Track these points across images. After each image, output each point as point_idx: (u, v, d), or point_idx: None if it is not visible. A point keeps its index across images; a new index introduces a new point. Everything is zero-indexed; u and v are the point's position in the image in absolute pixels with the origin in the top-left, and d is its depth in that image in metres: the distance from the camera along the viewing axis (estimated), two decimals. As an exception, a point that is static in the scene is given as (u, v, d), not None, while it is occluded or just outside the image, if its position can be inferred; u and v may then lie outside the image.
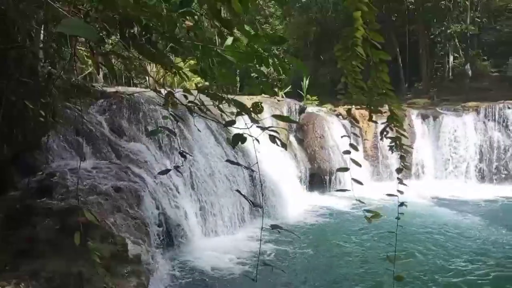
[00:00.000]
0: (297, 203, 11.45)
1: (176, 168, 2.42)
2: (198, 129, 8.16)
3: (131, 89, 9.93)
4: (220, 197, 8.76)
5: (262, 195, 9.97)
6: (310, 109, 15.87)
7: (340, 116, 15.42)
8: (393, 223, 2.96)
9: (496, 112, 15.04)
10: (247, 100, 12.50)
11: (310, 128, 14.41)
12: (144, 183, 6.84)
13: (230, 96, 2.37)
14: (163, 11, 2.61)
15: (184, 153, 2.53)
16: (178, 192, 7.76)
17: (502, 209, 11.79)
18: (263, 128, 2.22)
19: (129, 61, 3.59)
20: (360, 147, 14.97)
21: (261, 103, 2.26)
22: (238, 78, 25.14)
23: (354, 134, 3.14)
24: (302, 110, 15.21)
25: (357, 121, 14.67)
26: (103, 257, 4.96)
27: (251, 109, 2.23)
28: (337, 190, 13.05)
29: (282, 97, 17.68)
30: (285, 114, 14.22)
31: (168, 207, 7.26)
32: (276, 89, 20.83)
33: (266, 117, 2.82)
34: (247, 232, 8.90)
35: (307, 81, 20.41)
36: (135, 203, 6.17)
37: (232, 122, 2.21)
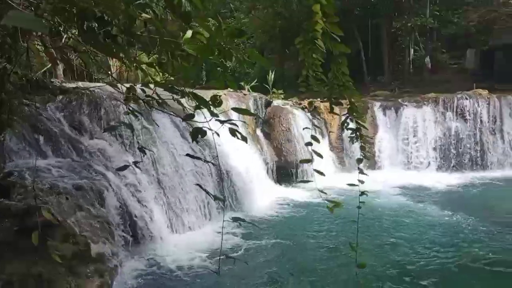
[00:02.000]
0: (265, 196, 11.53)
1: (135, 164, 2.37)
2: (156, 124, 8.05)
3: (93, 84, 9.65)
4: (187, 192, 8.69)
5: (222, 187, 9.97)
6: (276, 102, 15.96)
7: (306, 109, 15.59)
8: (361, 212, 3.03)
9: (454, 103, 15.63)
10: (213, 94, 12.35)
11: (277, 122, 14.52)
12: (107, 181, 6.69)
13: (189, 90, 2.34)
14: (119, 3, 2.54)
15: (143, 149, 2.49)
16: (143, 189, 7.63)
17: (460, 196, 12.30)
18: (223, 122, 2.21)
19: (86, 55, 3.48)
20: (326, 139, 15.22)
21: (220, 96, 2.24)
22: (204, 73, 24.96)
23: (316, 126, 3.18)
24: (268, 104, 15.27)
25: (322, 113, 14.89)
26: (65, 257, 4.83)
27: (210, 102, 2.21)
28: (300, 181, 13.26)
29: (248, 91, 17.68)
30: (251, 107, 14.24)
31: (133, 204, 7.14)
32: (242, 83, 20.82)
33: (229, 111, 2.82)
34: (215, 227, 8.89)
35: (273, 75, 20.49)
36: (98, 201, 6.03)
37: (191, 116, 2.19)
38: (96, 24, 2.56)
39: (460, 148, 15.33)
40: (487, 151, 15.52)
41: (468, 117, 15.51)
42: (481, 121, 15.53)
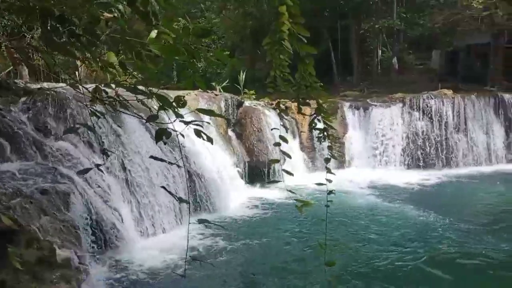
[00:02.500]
0: (237, 197, 11.52)
1: (98, 166, 2.31)
2: (118, 125, 7.90)
3: (56, 85, 9.37)
4: (157, 195, 8.56)
5: (188, 189, 9.90)
6: (248, 103, 15.97)
7: (277, 109, 15.64)
8: (330, 211, 3.07)
9: (420, 103, 16.06)
10: (185, 96, 12.25)
11: (248, 122, 14.53)
12: (74, 184, 6.51)
13: (153, 90, 2.31)
14: (80, 2, 2.48)
15: (106, 151, 2.43)
16: (112, 192, 7.48)
17: (427, 193, 12.65)
18: (187, 123, 2.18)
19: (48, 56, 3.38)
20: (297, 139, 15.35)
21: (184, 96, 2.22)
22: (175, 73, 24.69)
23: (284, 126, 3.20)
24: (239, 104, 15.26)
25: (293, 114, 15.00)
26: (28, 263, 4.67)
27: (173, 103, 2.19)
28: (271, 181, 13.32)
29: (220, 91, 17.61)
30: (222, 108, 14.20)
31: (101, 207, 6.98)
32: (213, 84, 20.73)
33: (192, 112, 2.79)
34: (186, 230, 8.81)
35: (244, 75, 20.49)
36: (64, 205, 5.86)
37: (155, 117, 2.16)
38: (58, 24, 2.49)
39: (427, 147, 15.77)
40: (452, 150, 16.02)
41: (434, 116, 15.97)
42: (446, 120, 16.02)
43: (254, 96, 18.82)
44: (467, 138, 16.26)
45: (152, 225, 8.44)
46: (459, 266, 7.22)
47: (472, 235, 8.56)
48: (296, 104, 3.88)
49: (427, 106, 16.02)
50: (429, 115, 16.01)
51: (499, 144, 16.50)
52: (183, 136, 2.38)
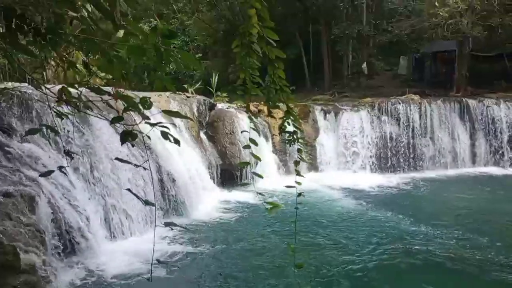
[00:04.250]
0: (209, 200, 11.48)
1: (60, 168, 2.27)
2: (85, 127, 7.72)
3: (24, 85, 9.09)
4: (125, 198, 8.43)
5: (159, 191, 9.81)
6: (221, 105, 15.95)
7: (249, 112, 15.69)
8: (301, 213, 3.12)
9: (389, 108, 16.46)
10: (157, 97, 12.07)
11: (220, 125, 14.52)
12: (39, 187, 6.34)
13: (118, 91, 2.29)
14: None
15: (70, 153, 2.39)
16: (79, 195, 7.31)
17: (395, 196, 12.96)
18: (153, 124, 2.18)
19: (10, 55, 3.29)
20: (269, 142, 15.43)
21: (149, 97, 2.22)
22: (146, 74, 24.38)
23: (254, 129, 3.25)
24: (212, 107, 15.23)
25: (266, 117, 15.08)
26: (-10, 269, 4.52)
27: (139, 104, 2.18)
28: (242, 184, 13.35)
29: (192, 93, 17.53)
30: (194, 110, 14.13)
31: (68, 211, 6.81)
32: (186, 86, 20.59)
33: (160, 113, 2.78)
34: (156, 233, 8.71)
35: (217, 78, 20.48)
36: (28, 208, 5.70)
37: (119, 119, 2.14)
38: (20, 22, 2.44)
39: (395, 151, 16.17)
40: (419, 153, 16.48)
41: (401, 121, 16.40)
42: (413, 124, 16.48)
43: (227, 99, 18.83)
44: (433, 142, 16.76)
45: (120, 228, 8.29)
46: (426, 266, 7.44)
47: (438, 236, 8.83)
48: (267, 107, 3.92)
49: (395, 111, 16.43)
50: (397, 120, 16.43)
51: (464, 148, 17.08)
52: (149, 138, 2.37)
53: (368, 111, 16.41)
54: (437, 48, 22.34)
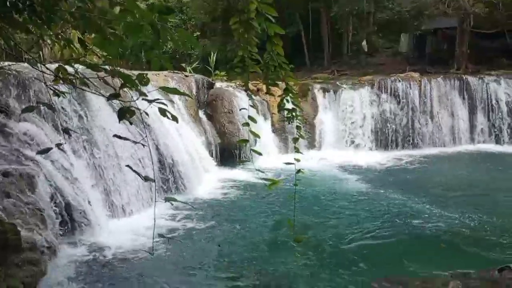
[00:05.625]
0: (208, 178, 11.53)
1: (58, 146, 2.27)
2: (83, 105, 7.65)
3: (21, 64, 8.99)
4: (125, 176, 8.46)
5: (158, 169, 9.85)
6: (219, 84, 15.86)
7: (248, 91, 15.61)
8: (300, 191, 3.15)
9: (388, 85, 16.37)
10: (155, 76, 11.94)
11: (219, 104, 14.46)
12: (38, 166, 6.35)
13: (115, 69, 2.26)
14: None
15: (68, 130, 2.39)
16: (78, 173, 7.33)
17: (394, 173, 13.03)
18: (150, 101, 2.17)
19: (6, 33, 3.25)
20: (268, 121, 15.41)
21: (147, 74, 2.20)
22: (143, 53, 24.08)
23: (252, 107, 3.25)
24: (210, 86, 15.13)
25: (265, 95, 15.01)
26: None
27: (136, 81, 2.16)
28: (241, 161, 13.38)
29: (190, 72, 17.40)
30: (193, 89, 14.05)
31: (67, 189, 6.84)
32: (184, 65, 20.41)
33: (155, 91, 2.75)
34: (157, 210, 8.77)
35: (215, 57, 20.29)
36: (28, 187, 5.72)
37: (117, 95, 2.12)
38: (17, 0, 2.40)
39: (394, 128, 16.16)
40: (418, 131, 16.48)
41: (401, 99, 16.33)
42: (413, 102, 16.42)
43: (225, 78, 18.71)
44: (433, 120, 16.74)
45: (121, 206, 8.36)
46: (425, 241, 7.55)
47: (436, 212, 8.91)
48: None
49: (395, 89, 16.35)
50: (397, 98, 16.36)
51: (463, 126, 17.08)
52: (147, 114, 2.36)
53: (367, 89, 16.32)
54: (438, 25, 22.05)
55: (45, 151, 2.28)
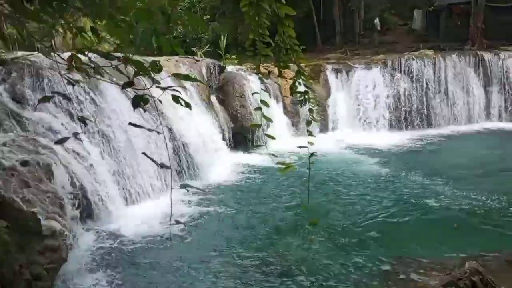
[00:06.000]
0: (222, 163, 11.56)
1: (75, 135, 2.29)
2: (97, 94, 7.68)
3: (35, 54, 9.07)
4: (140, 163, 8.54)
5: (173, 155, 9.90)
6: (230, 68, 15.76)
7: (260, 74, 15.49)
8: (314, 173, 3.14)
9: (402, 64, 16.09)
10: (166, 62, 11.86)
11: (231, 88, 14.39)
12: (55, 155, 6.45)
13: (127, 56, 2.26)
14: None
15: (84, 119, 2.41)
16: (94, 161, 7.43)
17: (409, 153, 12.92)
18: (164, 88, 2.16)
19: (19, 23, 3.26)
20: (280, 104, 15.32)
21: (159, 61, 2.19)
22: (154, 38, 24.03)
23: (264, 90, 3.19)
24: (221, 70, 15.05)
25: (276, 78, 14.89)
26: (14, 234, 4.68)
27: (149, 68, 2.15)
28: (255, 146, 13.39)
29: (201, 56, 17.33)
30: (204, 74, 14.00)
31: (84, 177, 6.95)
32: (194, 49, 20.32)
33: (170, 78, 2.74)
34: (173, 197, 8.85)
35: (225, 40, 20.13)
36: (46, 176, 5.82)
37: (130, 83, 2.12)
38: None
39: (409, 108, 15.93)
40: (433, 110, 16.23)
41: (415, 77, 16.06)
42: (427, 80, 16.13)
43: (236, 61, 18.58)
44: (447, 98, 16.46)
45: (137, 192, 8.46)
46: (440, 222, 7.50)
47: (453, 193, 8.82)
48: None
49: (409, 68, 16.06)
50: (411, 77, 16.09)
51: (479, 103, 16.77)
52: (160, 102, 2.36)
53: (380, 68, 16.07)
54: (452, 0, 21.49)
55: (62, 141, 2.30)
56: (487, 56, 16.85)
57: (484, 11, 19.36)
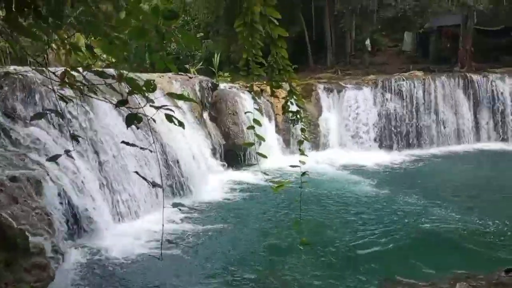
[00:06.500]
0: (214, 180, 11.53)
1: (67, 152, 2.28)
2: (89, 110, 7.69)
3: (27, 68, 9.05)
4: (132, 180, 8.48)
5: (164, 173, 9.86)
6: (223, 86, 15.85)
7: (253, 92, 15.60)
8: (306, 192, 3.16)
9: (392, 85, 16.32)
10: (159, 78, 11.91)
11: (223, 105, 14.45)
12: (45, 170, 6.39)
13: (121, 73, 2.27)
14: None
15: (76, 136, 2.40)
16: (85, 178, 7.36)
17: (399, 173, 13.00)
18: (158, 108, 2.17)
19: (12, 38, 3.27)
20: (273, 122, 15.39)
21: (154, 81, 2.20)
22: (147, 55, 24.18)
23: (257, 109, 3.26)
24: (214, 87, 15.12)
25: (269, 96, 14.99)
26: (1, 251, 4.60)
27: (144, 87, 2.16)
28: (247, 165, 13.40)
29: (194, 74, 17.42)
30: (196, 91, 14.05)
31: (74, 194, 6.87)
32: (187, 66, 20.44)
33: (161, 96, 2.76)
34: (164, 215, 8.77)
35: (219, 58, 20.30)
36: (35, 192, 5.75)
37: (124, 102, 2.13)
38: (21, 5, 2.41)
39: (399, 128, 16.10)
40: (423, 130, 16.41)
41: (405, 98, 16.27)
42: (417, 101, 16.35)
43: (229, 79, 18.70)
44: (438, 119, 16.67)
45: (127, 210, 8.38)
46: (432, 243, 7.51)
47: (442, 213, 8.85)
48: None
49: (399, 88, 16.29)
50: (401, 97, 16.30)
51: (468, 124, 17.00)
52: (154, 121, 2.37)
53: (371, 88, 16.28)
54: (441, 23, 21.98)
55: (54, 158, 2.29)
56: (476, 78, 17.17)
57: (473, 34, 19.82)
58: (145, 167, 9.00)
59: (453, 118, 16.84)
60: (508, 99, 16.91)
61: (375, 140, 15.89)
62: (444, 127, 16.73)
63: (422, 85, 16.50)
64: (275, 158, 12.87)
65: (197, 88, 14.09)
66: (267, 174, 3.48)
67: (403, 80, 16.47)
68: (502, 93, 16.94)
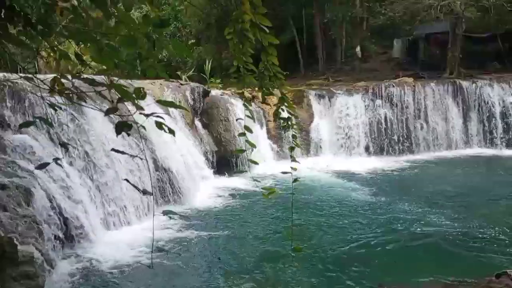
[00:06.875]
0: (205, 187, 11.50)
1: (56, 160, 2.26)
2: (80, 117, 7.65)
3: (16, 75, 8.99)
4: (122, 187, 8.42)
5: (156, 180, 9.81)
6: (214, 92, 15.86)
7: (244, 99, 15.63)
8: (297, 199, 3.16)
9: (382, 91, 16.46)
10: (150, 85, 11.89)
11: (215, 112, 14.46)
12: (34, 178, 6.32)
13: (110, 80, 2.27)
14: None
15: (65, 144, 2.38)
16: (75, 186, 7.30)
17: (389, 178, 13.05)
18: (147, 115, 2.17)
19: (1, 45, 3.25)
20: (264, 128, 15.43)
21: (143, 88, 2.20)
22: (138, 62, 24.11)
23: (249, 116, 3.27)
24: (206, 94, 15.13)
25: (260, 103, 15.04)
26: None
27: (133, 94, 2.16)
28: (238, 171, 13.39)
29: (186, 80, 17.42)
30: (188, 97, 14.04)
31: (64, 202, 6.81)
32: (179, 73, 20.44)
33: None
34: (155, 222, 8.71)
35: (210, 64, 20.34)
36: (24, 200, 5.69)
37: (114, 110, 2.12)
38: (10, 14, 2.40)
39: (389, 134, 16.22)
40: (413, 136, 16.54)
41: (395, 104, 16.42)
42: (407, 108, 16.51)
43: (220, 85, 18.74)
44: (427, 125, 16.82)
45: (118, 218, 8.31)
46: (422, 248, 7.54)
47: (433, 218, 8.90)
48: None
49: (389, 95, 16.44)
50: (391, 103, 16.44)
51: (458, 130, 17.17)
52: (144, 128, 2.36)
53: (362, 95, 16.40)
54: (430, 30, 22.25)
55: (43, 166, 2.27)
56: (465, 84, 17.38)
57: (461, 40, 20.09)
58: (137, 174, 8.94)
59: (442, 124, 17.01)
60: (496, 105, 17.13)
61: (365, 146, 15.99)
62: (434, 133, 16.88)
63: (412, 92, 16.67)
64: (268, 165, 12.89)
65: (188, 94, 14.08)
66: (258, 181, 3.48)
67: (393, 86, 16.62)
68: (490, 99, 17.15)
